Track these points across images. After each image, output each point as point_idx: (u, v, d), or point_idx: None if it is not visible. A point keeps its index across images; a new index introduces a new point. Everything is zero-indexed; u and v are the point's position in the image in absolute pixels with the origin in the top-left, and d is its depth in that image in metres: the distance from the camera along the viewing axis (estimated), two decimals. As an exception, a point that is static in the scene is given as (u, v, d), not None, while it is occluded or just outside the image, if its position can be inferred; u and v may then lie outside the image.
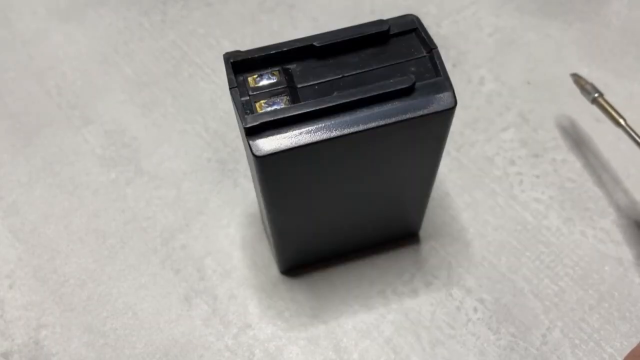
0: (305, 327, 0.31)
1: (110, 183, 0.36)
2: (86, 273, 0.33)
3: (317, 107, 0.22)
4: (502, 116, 0.38)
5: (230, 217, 0.35)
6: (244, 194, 0.36)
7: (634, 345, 0.30)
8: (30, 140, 0.39)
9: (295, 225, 0.28)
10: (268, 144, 0.22)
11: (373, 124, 0.22)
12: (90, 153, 0.38)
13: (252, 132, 0.22)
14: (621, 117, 0.32)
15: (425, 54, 0.24)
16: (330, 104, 0.22)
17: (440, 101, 0.23)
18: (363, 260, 0.33)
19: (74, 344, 0.31)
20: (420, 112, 0.23)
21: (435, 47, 0.23)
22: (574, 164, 0.36)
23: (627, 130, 0.32)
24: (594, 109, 0.35)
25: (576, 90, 0.36)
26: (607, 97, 0.34)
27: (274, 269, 0.33)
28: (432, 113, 0.23)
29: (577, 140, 0.37)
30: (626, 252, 0.33)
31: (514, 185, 0.35)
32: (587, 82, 0.35)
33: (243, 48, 0.42)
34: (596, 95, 0.34)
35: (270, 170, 0.23)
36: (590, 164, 0.36)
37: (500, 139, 0.37)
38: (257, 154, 0.22)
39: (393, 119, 0.22)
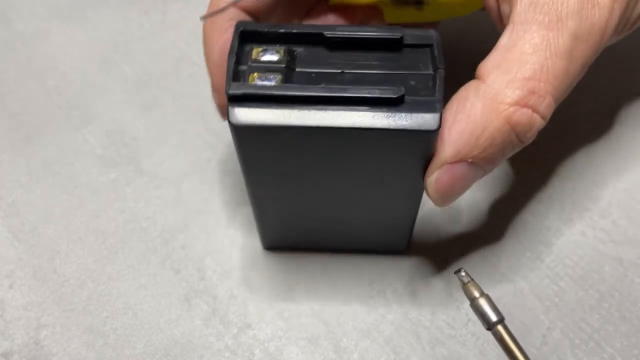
0: (305, 327, 0.31)
1: (110, 183, 0.36)
2: (86, 273, 0.33)
3: (300, 93, 0.22)
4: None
5: (230, 217, 0.35)
6: (244, 194, 0.36)
7: (634, 345, 0.30)
8: (30, 140, 0.39)
9: (272, 203, 0.29)
10: (245, 115, 0.22)
11: (345, 124, 0.22)
12: (90, 153, 0.38)
13: (234, 100, 0.22)
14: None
15: (431, 71, 0.23)
16: (313, 94, 0.22)
17: (423, 121, 0.22)
18: (363, 260, 0.33)
19: (74, 344, 0.31)
20: (396, 126, 0.22)
21: (442, 67, 0.23)
22: (574, 164, 0.36)
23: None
24: (593, 109, 0.35)
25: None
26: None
27: (273, 269, 0.33)
28: (409, 130, 0.22)
29: (576, 139, 0.37)
30: (626, 252, 0.33)
31: (514, 185, 0.35)
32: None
33: (243, 48, 0.42)
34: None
35: (245, 142, 0.24)
36: (590, 164, 0.36)
37: (500, 139, 0.37)
38: (233, 121, 0.22)
39: (366, 125, 0.22)
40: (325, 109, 0.22)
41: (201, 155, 0.37)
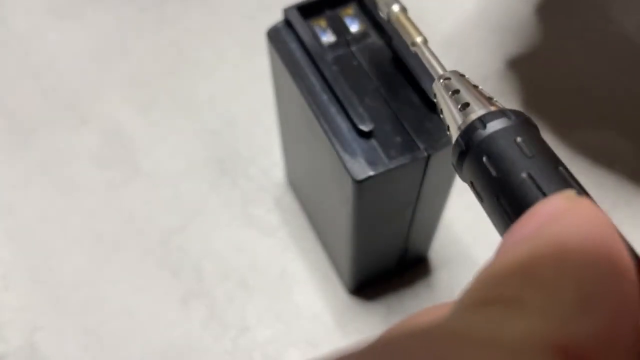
0: (305, 329, 0.31)
1: (107, 183, 0.36)
2: (82, 275, 0.33)
3: (316, 59, 0.23)
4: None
5: (228, 218, 0.34)
6: (243, 194, 0.35)
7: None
8: (26, 140, 0.38)
9: (290, 141, 0.30)
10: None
11: (312, 110, 0.23)
12: (86, 153, 0.37)
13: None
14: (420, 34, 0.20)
15: (424, 151, 0.22)
16: (323, 69, 0.23)
17: (354, 165, 0.21)
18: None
19: (69, 347, 0.31)
20: (335, 149, 0.22)
21: (431, 153, 0.22)
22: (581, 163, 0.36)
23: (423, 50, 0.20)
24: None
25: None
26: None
27: (272, 270, 0.33)
28: (340, 159, 0.22)
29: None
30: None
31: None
32: None
33: (242, 46, 0.41)
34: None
35: (273, 48, 0.25)
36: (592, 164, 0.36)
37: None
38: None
39: (327, 137, 0.22)
40: (316, 86, 0.23)
41: (199, 156, 0.37)
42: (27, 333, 0.31)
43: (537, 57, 0.41)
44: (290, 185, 0.35)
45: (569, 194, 0.10)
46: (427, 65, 0.18)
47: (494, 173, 0.12)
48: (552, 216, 0.09)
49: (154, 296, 0.32)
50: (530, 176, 0.12)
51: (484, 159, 0.13)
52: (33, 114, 0.39)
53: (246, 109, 0.39)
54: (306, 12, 0.24)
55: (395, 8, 0.20)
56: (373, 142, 0.22)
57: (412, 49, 0.19)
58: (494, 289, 0.09)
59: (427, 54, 0.18)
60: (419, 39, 0.19)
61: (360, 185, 0.21)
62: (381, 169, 0.21)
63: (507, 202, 0.12)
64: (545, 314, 0.08)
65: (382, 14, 0.21)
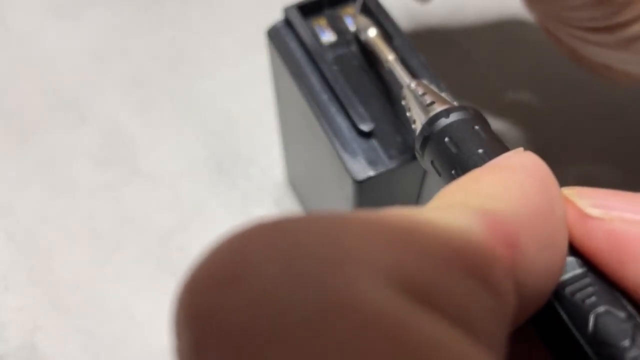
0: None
1: (106, 183, 0.36)
2: (82, 275, 0.33)
3: (316, 58, 0.23)
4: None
5: (228, 218, 0.34)
6: (243, 195, 0.35)
7: None
8: (25, 139, 0.38)
9: (292, 139, 0.30)
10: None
11: (309, 105, 0.23)
12: (85, 153, 0.37)
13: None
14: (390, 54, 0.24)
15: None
16: (322, 68, 0.23)
17: (355, 165, 0.21)
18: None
19: (69, 347, 0.31)
20: (335, 149, 0.22)
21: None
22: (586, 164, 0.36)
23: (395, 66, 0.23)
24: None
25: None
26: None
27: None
28: (341, 159, 0.22)
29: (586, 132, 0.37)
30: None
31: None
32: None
33: (242, 46, 0.41)
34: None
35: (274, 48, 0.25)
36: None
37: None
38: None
39: (327, 137, 0.22)
40: (315, 85, 0.23)
41: (199, 155, 0.37)
42: (27, 333, 0.31)
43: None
44: (290, 185, 0.35)
45: (519, 149, 0.13)
46: (398, 77, 0.21)
47: (454, 150, 0.15)
48: (503, 158, 0.13)
49: (153, 297, 0.32)
50: (485, 152, 0.14)
51: (446, 139, 0.15)
52: (32, 113, 0.39)
53: (246, 109, 0.38)
54: (306, 11, 0.24)
55: (372, 33, 0.23)
56: (373, 142, 0.22)
57: (386, 65, 0.22)
58: (451, 198, 0.12)
59: (398, 68, 0.21)
60: (390, 57, 0.22)
61: (360, 185, 0.21)
62: (382, 169, 0.21)
63: (462, 172, 0.14)
64: (484, 202, 0.11)
65: (360, 37, 0.24)
